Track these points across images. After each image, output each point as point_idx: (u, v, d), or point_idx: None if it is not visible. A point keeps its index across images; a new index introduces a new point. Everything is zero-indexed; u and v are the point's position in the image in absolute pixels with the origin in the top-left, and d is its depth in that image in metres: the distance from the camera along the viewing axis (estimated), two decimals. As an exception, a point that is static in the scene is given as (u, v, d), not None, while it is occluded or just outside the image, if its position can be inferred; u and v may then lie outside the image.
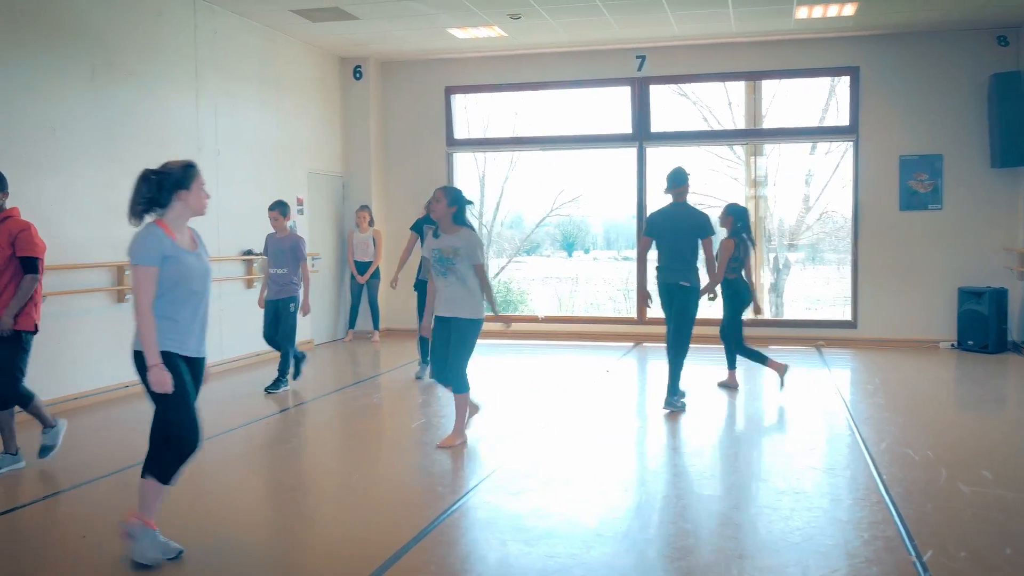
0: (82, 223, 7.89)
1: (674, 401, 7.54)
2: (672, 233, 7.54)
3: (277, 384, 8.49)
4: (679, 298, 7.53)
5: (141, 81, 8.63)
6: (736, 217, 8.42)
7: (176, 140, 9.11)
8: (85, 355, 7.93)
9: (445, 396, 8.30)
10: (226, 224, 9.81)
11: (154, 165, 9.22)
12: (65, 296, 7.69)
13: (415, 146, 12.91)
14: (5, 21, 7.15)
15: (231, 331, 9.89)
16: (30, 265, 5.66)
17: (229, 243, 9.94)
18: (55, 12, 7.65)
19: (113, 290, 8.21)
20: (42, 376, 7.46)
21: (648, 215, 7.99)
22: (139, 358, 4.08)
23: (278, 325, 8.45)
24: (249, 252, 10.25)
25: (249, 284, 10.25)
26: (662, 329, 11.60)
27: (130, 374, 8.32)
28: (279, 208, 8.43)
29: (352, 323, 12.49)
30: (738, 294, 8.43)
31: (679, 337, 7.53)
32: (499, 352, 11.29)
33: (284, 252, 8.38)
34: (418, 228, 9.14)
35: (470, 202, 6.33)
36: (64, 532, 4.72)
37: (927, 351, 11.01)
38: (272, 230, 8.52)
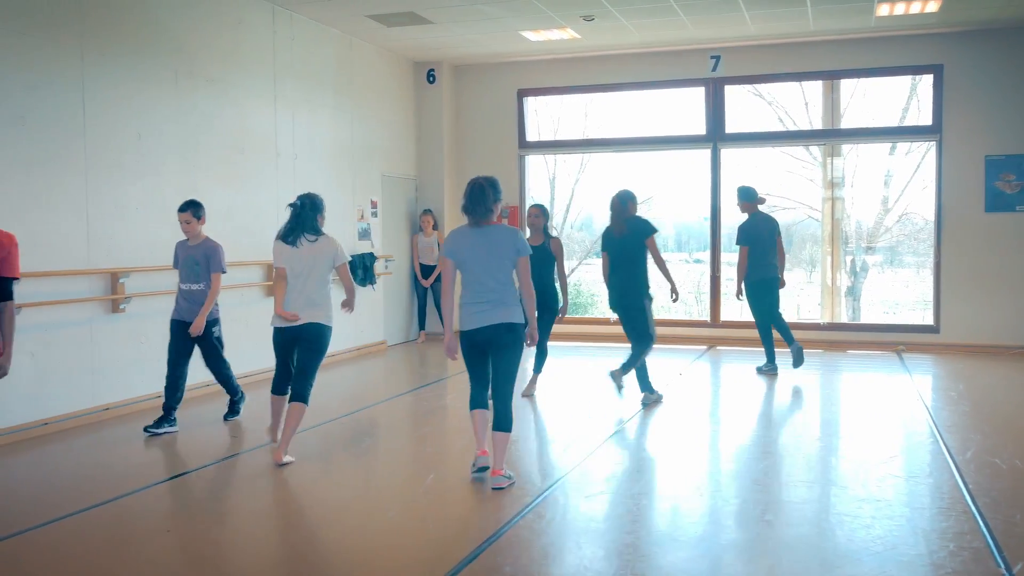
0: (166, 226, 8.11)
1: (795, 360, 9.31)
2: (765, 237, 9.25)
3: (236, 408, 7.47)
4: (775, 288, 9.36)
5: (221, 88, 8.85)
6: (548, 217, 8.42)
7: (254, 145, 9.32)
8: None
9: (518, 398, 8.32)
10: (303, 227, 10.01)
11: (233, 169, 9.50)
12: (150, 297, 7.92)
13: (487, 149, 12.98)
14: (100, 36, 7.40)
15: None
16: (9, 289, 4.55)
17: (305, 245, 10.12)
18: (143, 24, 7.89)
19: (195, 291, 8.42)
20: (127, 376, 7.71)
21: (740, 225, 9.40)
22: (519, 330, 5.29)
23: (186, 349, 7.01)
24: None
25: (324, 286, 10.41)
26: (736, 332, 11.48)
27: (211, 374, 8.51)
28: (191, 209, 6.92)
29: (422, 324, 12.61)
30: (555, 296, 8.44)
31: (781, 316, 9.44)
32: (570, 354, 11.27)
33: (198, 263, 6.92)
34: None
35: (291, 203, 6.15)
36: (148, 527, 4.85)
37: (1014, 357, 10.64)
38: (183, 236, 7.08)
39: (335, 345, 10.66)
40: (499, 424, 5.32)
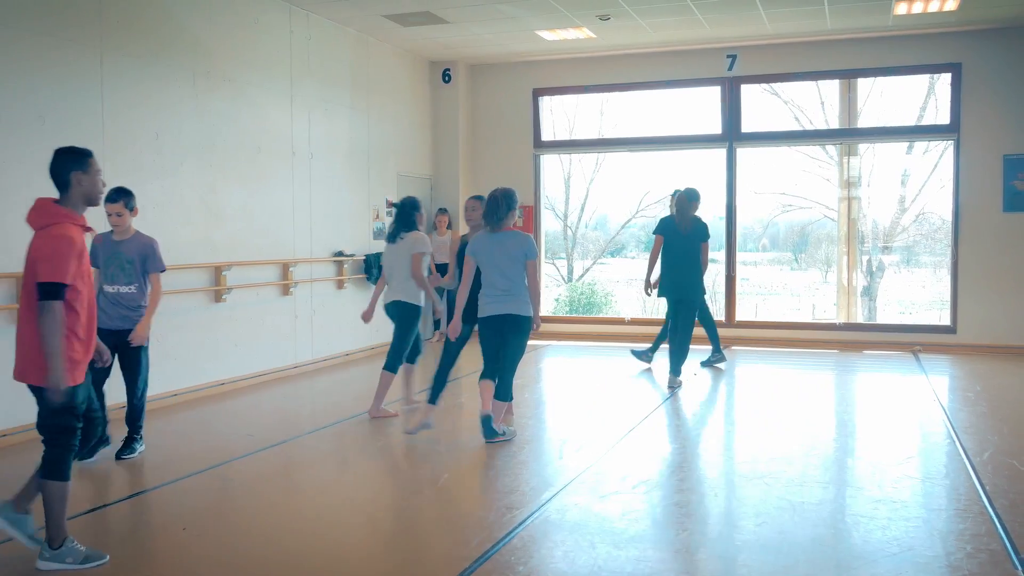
0: (184, 226, 8.16)
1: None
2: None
3: (132, 446, 6.08)
4: None
5: (239, 88, 8.89)
6: None
7: (271, 144, 9.36)
8: (184, 354, 8.19)
9: (532, 398, 8.33)
10: (319, 226, 10.05)
11: (250, 168, 9.53)
12: (166, 296, 7.96)
13: (503, 148, 12.99)
14: (119, 35, 7.44)
15: (323, 331, 10.10)
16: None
17: (322, 245, 10.17)
18: (161, 24, 7.94)
19: (211, 290, 8.47)
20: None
21: (704, 223, 8.81)
22: (525, 321, 6.28)
23: (123, 365, 5.99)
24: (340, 253, 10.46)
25: (340, 284, 10.46)
26: (752, 332, 11.44)
27: (226, 372, 8.57)
28: (123, 199, 5.97)
29: (436, 323, 12.61)
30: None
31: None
32: (585, 354, 11.27)
33: (130, 262, 5.93)
34: (663, 229, 8.72)
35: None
36: (165, 524, 4.89)
37: (1032, 358, 10.57)
38: (108, 228, 6.07)
39: (350, 344, 10.71)
40: (500, 395, 6.43)
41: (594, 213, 17.02)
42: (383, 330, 11.55)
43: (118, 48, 7.48)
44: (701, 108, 12.54)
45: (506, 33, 11.05)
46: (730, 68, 11.90)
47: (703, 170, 13.17)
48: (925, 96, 12.62)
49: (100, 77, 7.32)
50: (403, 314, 7.26)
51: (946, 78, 11.35)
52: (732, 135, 12.09)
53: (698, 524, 4.77)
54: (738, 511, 5.02)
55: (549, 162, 13.62)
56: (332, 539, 4.60)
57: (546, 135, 13.09)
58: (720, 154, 12.25)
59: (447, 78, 12.74)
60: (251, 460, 6.16)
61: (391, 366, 7.33)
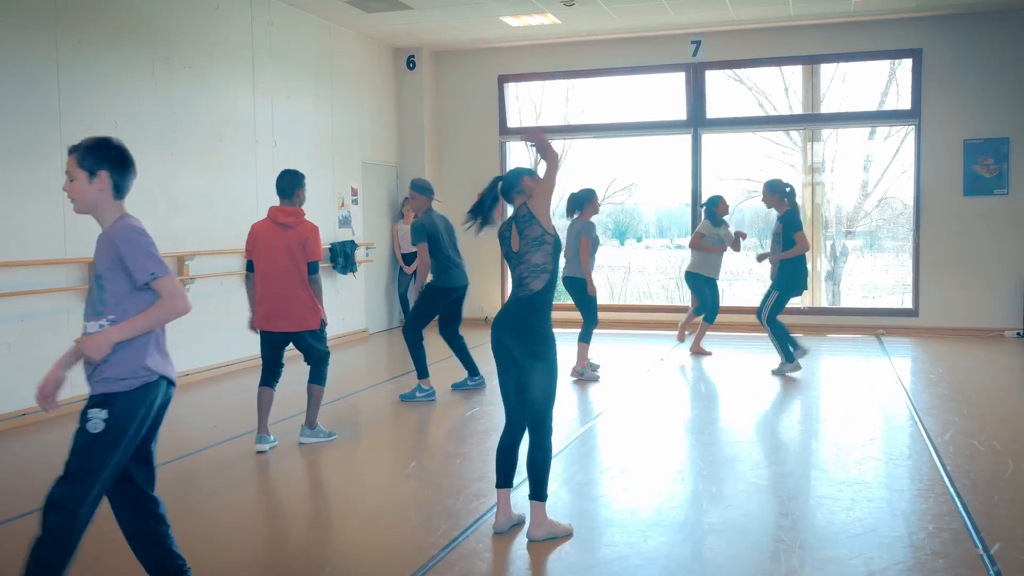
0: (145, 215, 7.94)
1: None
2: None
3: None
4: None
5: (199, 74, 8.76)
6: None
7: (233, 132, 9.25)
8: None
9: (495, 384, 8.30)
10: (283, 214, 9.94)
11: (212, 156, 9.40)
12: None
13: (468, 135, 12.93)
14: (75, 21, 7.30)
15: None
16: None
17: (286, 233, 10.05)
18: (119, 10, 7.80)
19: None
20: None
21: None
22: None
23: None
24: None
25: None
26: (719, 318, 11.48)
27: (191, 362, 8.43)
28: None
29: (405, 312, 12.56)
30: None
31: None
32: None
33: None
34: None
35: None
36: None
37: (992, 340, 10.74)
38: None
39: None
40: (583, 338, 8.58)
41: (561, 200, 16.99)
42: (349, 318, 11.56)
43: (74, 34, 7.34)
44: (666, 94, 12.57)
45: (470, 19, 10.99)
46: (694, 54, 11.92)
47: (668, 156, 13.21)
48: (887, 82, 12.72)
49: (56, 64, 7.17)
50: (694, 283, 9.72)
51: (907, 63, 11.45)
52: (697, 121, 12.13)
53: (664, 508, 4.79)
54: (704, 495, 5.04)
55: (515, 149, 13.58)
56: (295, 528, 4.56)
57: (512, 122, 13.04)
58: (685, 140, 12.28)
59: (411, 65, 12.65)
60: (216, 451, 6.10)
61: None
